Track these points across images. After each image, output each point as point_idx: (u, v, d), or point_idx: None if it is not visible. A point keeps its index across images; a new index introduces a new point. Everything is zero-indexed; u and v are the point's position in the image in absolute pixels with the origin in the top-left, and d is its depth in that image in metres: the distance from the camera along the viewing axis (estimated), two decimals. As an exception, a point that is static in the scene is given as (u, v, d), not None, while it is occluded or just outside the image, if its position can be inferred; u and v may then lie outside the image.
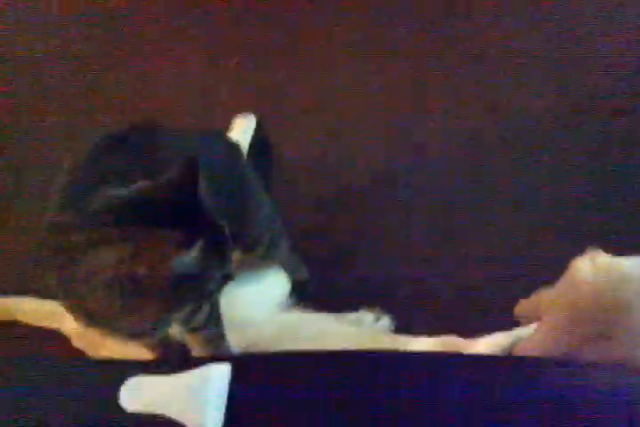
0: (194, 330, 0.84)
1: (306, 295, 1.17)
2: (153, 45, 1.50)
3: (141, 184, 0.71)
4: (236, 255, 0.87)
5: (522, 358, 0.65)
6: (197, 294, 0.71)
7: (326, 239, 1.26)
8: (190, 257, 0.65)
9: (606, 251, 0.71)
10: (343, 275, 1.21)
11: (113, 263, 0.65)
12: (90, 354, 1.05)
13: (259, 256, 1.02)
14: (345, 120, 1.37)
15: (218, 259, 0.71)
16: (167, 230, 0.65)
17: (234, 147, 1.03)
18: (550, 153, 1.31)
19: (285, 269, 1.13)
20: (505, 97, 1.36)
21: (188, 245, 0.64)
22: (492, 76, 1.39)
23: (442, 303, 1.17)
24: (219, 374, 0.54)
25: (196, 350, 0.87)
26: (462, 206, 1.27)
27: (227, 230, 0.72)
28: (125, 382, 0.53)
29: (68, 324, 1.13)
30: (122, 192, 0.70)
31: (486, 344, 0.80)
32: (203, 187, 0.71)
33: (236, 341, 0.95)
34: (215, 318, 0.86)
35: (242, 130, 1.32)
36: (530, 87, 1.37)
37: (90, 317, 0.71)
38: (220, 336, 0.89)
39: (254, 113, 1.34)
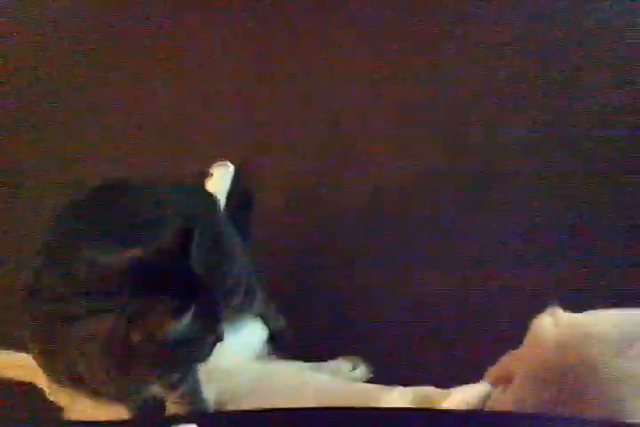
0: (170, 387, 0.84)
1: (283, 343, 1.17)
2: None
3: (133, 252, 0.72)
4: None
5: (493, 415, 0.66)
6: (192, 358, 0.72)
7: (307, 284, 1.27)
8: (184, 324, 0.67)
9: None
10: (323, 321, 1.23)
11: (107, 332, 0.66)
12: (64, 407, 1.04)
13: (235, 307, 1.03)
14: (326, 159, 1.40)
15: (211, 324, 0.72)
16: (161, 299, 0.66)
17: (210, 198, 1.05)
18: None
19: (262, 319, 1.14)
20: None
21: (181, 312, 0.66)
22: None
23: (422, 351, 1.18)
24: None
25: (172, 406, 0.87)
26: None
27: (218, 295, 0.74)
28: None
29: (43, 377, 1.11)
30: (111, 260, 0.71)
31: (459, 399, 0.80)
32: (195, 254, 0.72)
33: (212, 391, 0.95)
34: (192, 374, 0.86)
35: (220, 178, 1.35)
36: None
37: (73, 381, 0.71)
38: (196, 391, 0.89)
39: (232, 161, 1.37)
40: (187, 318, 0.66)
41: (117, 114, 1.50)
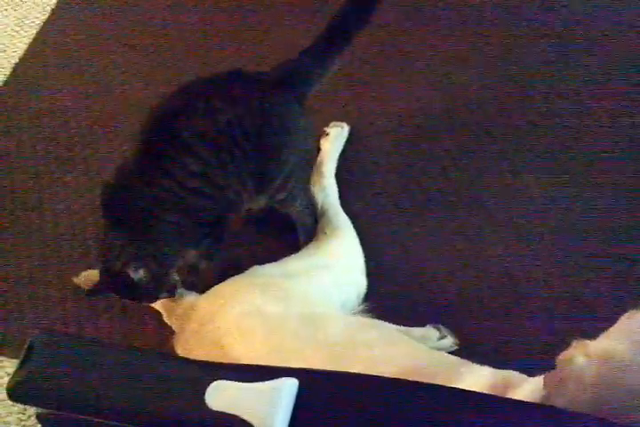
0: None
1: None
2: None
3: None
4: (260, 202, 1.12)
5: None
6: None
7: (402, 250, 1.30)
8: None
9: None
10: (415, 289, 1.25)
11: None
12: (177, 329, 1.16)
13: (277, 203, 1.15)
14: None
15: None
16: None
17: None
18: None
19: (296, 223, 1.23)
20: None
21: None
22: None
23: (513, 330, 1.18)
24: (288, 387, 0.60)
25: None
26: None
27: None
28: (211, 383, 0.61)
29: (159, 301, 1.24)
30: None
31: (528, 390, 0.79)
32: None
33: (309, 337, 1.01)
34: None
35: (335, 137, 1.39)
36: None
37: None
38: None
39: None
40: None
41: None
